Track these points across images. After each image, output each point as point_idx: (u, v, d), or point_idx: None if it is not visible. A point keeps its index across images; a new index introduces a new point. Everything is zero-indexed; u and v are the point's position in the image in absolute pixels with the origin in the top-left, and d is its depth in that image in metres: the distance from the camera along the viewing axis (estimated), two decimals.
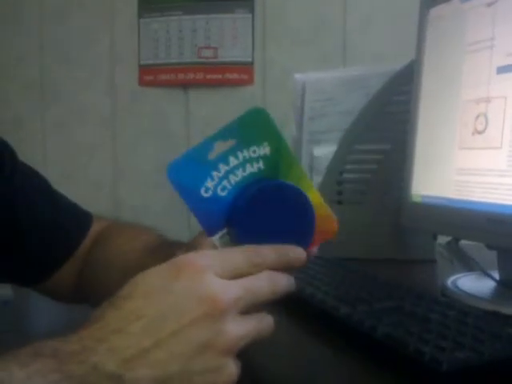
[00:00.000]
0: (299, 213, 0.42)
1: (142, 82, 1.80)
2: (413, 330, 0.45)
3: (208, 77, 1.76)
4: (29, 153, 0.65)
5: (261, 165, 0.42)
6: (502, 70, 0.62)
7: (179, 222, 1.43)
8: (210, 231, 0.42)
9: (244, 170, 0.42)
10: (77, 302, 0.66)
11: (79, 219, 0.66)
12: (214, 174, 0.42)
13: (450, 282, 0.70)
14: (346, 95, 0.93)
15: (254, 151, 0.42)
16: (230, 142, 0.42)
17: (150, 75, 1.79)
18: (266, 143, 0.42)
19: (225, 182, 0.42)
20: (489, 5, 0.65)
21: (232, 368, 0.35)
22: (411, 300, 0.54)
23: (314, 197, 0.43)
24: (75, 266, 0.64)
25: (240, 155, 0.42)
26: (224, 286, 0.36)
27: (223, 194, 0.42)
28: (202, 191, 0.41)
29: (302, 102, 0.97)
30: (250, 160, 0.42)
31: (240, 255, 0.38)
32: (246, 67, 1.75)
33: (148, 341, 0.33)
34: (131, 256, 0.58)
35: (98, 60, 1.81)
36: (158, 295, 0.35)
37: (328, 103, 0.95)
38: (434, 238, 0.83)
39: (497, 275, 0.69)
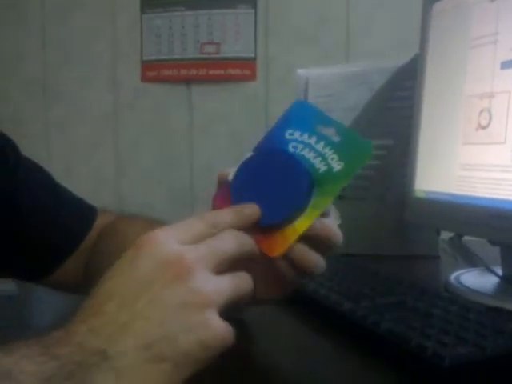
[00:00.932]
0: (292, 177, 0.43)
1: (145, 78, 1.80)
2: (415, 326, 0.45)
3: (211, 72, 1.76)
4: (31, 150, 0.65)
5: (320, 164, 0.43)
6: (505, 65, 0.62)
7: (182, 217, 1.43)
8: None
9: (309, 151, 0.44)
10: (84, 293, 0.66)
11: (84, 212, 0.66)
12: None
13: (453, 277, 0.70)
14: (349, 91, 0.93)
15: (333, 158, 0.43)
16: (331, 131, 0.44)
17: (153, 71, 1.79)
18: (343, 163, 0.43)
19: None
20: (492, 0, 0.65)
21: (217, 322, 0.34)
22: (414, 295, 0.54)
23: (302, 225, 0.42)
24: (81, 258, 0.64)
25: (322, 145, 0.43)
26: (185, 248, 0.36)
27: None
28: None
29: (305, 98, 0.96)
30: (321, 155, 0.43)
31: (198, 221, 0.39)
32: (249, 63, 1.75)
33: (125, 315, 0.33)
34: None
35: (101, 56, 1.81)
36: (124, 274, 0.35)
37: (331, 99, 0.95)
38: (438, 233, 0.83)
39: (500, 271, 0.69)
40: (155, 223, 0.62)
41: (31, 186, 0.62)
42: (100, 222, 0.66)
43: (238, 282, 0.37)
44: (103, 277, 0.36)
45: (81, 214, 0.66)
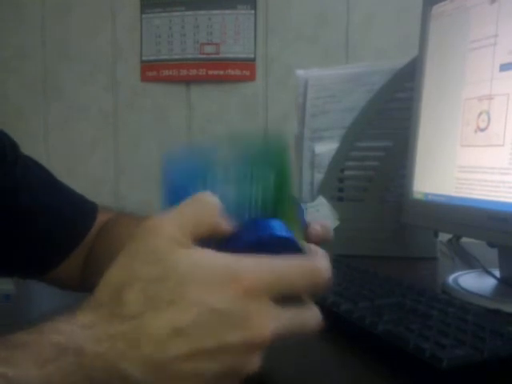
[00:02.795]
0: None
1: (144, 78, 1.80)
2: (413, 327, 0.45)
3: (210, 73, 1.76)
4: (31, 148, 0.65)
5: (258, 190, 0.38)
6: (504, 67, 0.62)
7: None
8: None
9: (238, 188, 0.38)
10: (84, 291, 0.66)
11: (85, 210, 0.66)
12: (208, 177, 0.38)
13: (451, 279, 0.70)
14: (349, 92, 0.93)
15: (258, 176, 0.38)
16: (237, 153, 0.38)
17: (152, 71, 1.79)
18: (272, 174, 0.38)
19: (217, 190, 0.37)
20: (492, 2, 0.65)
21: (256, 363, 0.32)
22: (412, 297, 0.54)
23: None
24: (81, 256, 0.64)
25: (241, 171, 0.38)
26: (249, 266, 0.32)
27: None
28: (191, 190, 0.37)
29: (304, 99, 0.96)
30: (250, 180, 0.38)
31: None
32: (249, 63, 1.75)
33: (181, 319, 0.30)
34: None
35: (100, 55, 1.81)
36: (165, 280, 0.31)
37: (330, 100, 0.95)
38: (436, 235, 0.83)
39: (498, 273, 0.69)
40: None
41: (31, 181, 0.62)
42: (100, 219, 0.66)
43: (304, 315, 0.34)
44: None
45: (82, 210, 0.66)
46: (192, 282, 0.31)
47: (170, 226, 0.33)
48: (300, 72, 0.98)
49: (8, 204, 0.59)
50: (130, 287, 0.31)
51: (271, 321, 0.31)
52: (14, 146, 0.63)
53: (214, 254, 0.32)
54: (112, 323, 0.30)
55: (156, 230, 0.33)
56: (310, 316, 0.34)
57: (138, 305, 0.30)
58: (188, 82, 1.79)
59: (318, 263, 0.34)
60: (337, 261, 0.73)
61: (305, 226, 0.42)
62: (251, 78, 1.75)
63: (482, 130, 0.65)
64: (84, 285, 0.65)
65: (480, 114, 0.65)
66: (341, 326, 0.51)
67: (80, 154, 1.84)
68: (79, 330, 0.30)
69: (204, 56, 1.76)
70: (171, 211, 0.34)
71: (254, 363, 0.31)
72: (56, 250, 0.63)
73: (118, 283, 0.31)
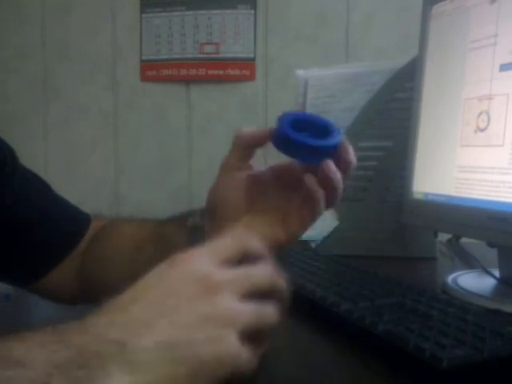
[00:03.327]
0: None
1: (144, 78, 1.80)
2: (413, 327, 0.45)
3: (210, 73, 1.76)
4: (30, 148, 0.66)
5: None
6: (504, 67, 0.62)
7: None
8: None
9: None
10: (78, 303, 0.67)
11: (78, 220, 0.67)
12: None
13: (450, 279, 0.70)
14: (348, 92, 0.93)
15: None
16: None
17: (152, 71, 1.79)
18: None
19: None
20: (492, 2, 0.65)
21: (234, 340, 0.34)
22: (412, 297, 0.54)
23: None
24: (74, 265, 0.65)
25: None
26: (218, 270, 0.37)
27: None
28: None
29: (304, 99, 0.96)
30: None
31: (236, 242, 0.40)
32: (248, 63, 1.75)
33: (150, 315, 0.34)
34: (124, 253, 0.59)
35: (100, 55, 1.81)
36: (153, 283, 0.36)
37: (330, 100, 0.95)
38: (435, 235, 0.83)
39: (497, 273, 0.69)
40: (140, 226, 0.63)
41: (28, 191, 0.63)
42: (93, 227, 0.67)
43: (262, 312, 0.38)
44: (132, 285, 0.37)
45: (75, 220, 0.67)
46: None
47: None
48: (300, 72, 0.98)
49: (5, 215, 0.60)
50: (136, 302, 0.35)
51: (230, 303, 0.36)
52: (13, 155, 0.63)
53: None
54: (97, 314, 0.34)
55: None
56: (268, 310, 0.38)
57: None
58: (188, 81, 1.79)
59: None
60: (336, 260, 0.73)
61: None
62: (251, 77, 1.75)
63: (482, 130, 0.65)
64: (79, 297, 0.66)
65: (480, 114, 0.65)
66: (341, 326, 0.51)
67: (80, 153, 1.84)
68: (63, 325, 0.33)
69: (204, 56, 1.76)
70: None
71: (230, 340, 0.34)
72: (46, 258, 0.64)
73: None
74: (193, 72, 1.77)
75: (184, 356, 0.33)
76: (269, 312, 0.38)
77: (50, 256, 0.64)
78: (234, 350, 0.34)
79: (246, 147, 0.52)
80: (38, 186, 0.66)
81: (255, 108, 1.76)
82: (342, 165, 0.49)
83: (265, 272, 0.39)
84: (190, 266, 0.37)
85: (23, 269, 0.64)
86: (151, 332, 0.33)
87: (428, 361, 0.40)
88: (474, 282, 0.68)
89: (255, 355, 0.36)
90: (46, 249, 0.64)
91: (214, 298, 0.35)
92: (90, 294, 0.63)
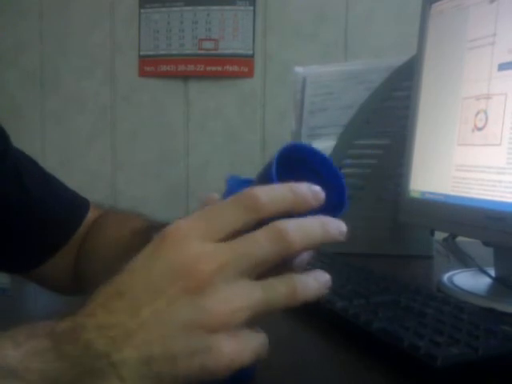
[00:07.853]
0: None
1: (142, 73, 1.80)
2: (408, 325, 0.45)
3: (208, 69, 1.76)
4: (27, 141, 0.65)
5: None
6: (503, 66, 0.62)
7: (177, 213, 1.43)
8: None
9: None
10: (76, 293, 0.66)
11: (75, 207, 0.65)
12: None
13: (446, 278, 0.70)
14: (347, 90, 0.93)
15: None
16: None
17: (150, 66, 1.79)
18: None
19: None
20: (491, 1, 0.65)
21: (223, 348, 0.30)
22: (407, 295, 0.54)
23: None
24: (70, 254, 0.64)
25: None
26: (207, 251, 0.31)
27: None
28: None
29: (302, 96, 0.96)
30: None
31: (235, 206, 0.32)
32: (247, 60, 1.74)
33: (131, 321, 0.31)
34: (120, 243, 0.57)
35: (98, 50, 1.81)
36: (139, 271, 0.32)
37: (328, 97, 0.95)
38: (432, 233, 0.83)
39: (493, 272, 0.69)
40: (135, 217, 0.62)
41: (21, 176, 0.60)
42: (90, 217, 0.65)
43: (266, 299, 0.32)
44: (125, 266, 0.33)
45: (72, 206, 0.65)
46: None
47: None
48: (298, 69, 0.98)
49: None
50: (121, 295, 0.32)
51: (218, 301, 0.31)
52: (5, 138, 0.61)
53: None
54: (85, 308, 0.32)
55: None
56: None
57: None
58: (186, 77, 1.78)
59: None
60: (332, 258, 0.73)
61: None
62: (249, 74, 1.75)
63: (480, 129, 0.65)
64: (76, 286, 0.65)
65: (478, 113, 0.65)
66: (335, 324, 0.51)
67: (77, 148, 1.84)
68: (51, 321, 0.32)
69: (202, 52, 1.76)
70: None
71: (219, 348, 0.30)
72: (43, 246, 0.63)
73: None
74: (191, 68, 1.77)
75: (164, 371, 0.30)
76: (275, 294, 0.32)
77: (45, 245, 0.63)
78: (222, 359, 0.30)
79: None
80: (32, 170, 0.63)
81: (253, 105, 1.76)
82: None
83: (272, 236, 0.32)
84: (175, 248, 0.32)
85: (17, 257, 0.62)
86: (131, 344, 0.30)
87: (423, 359, 0.40)
88: (470, 281, 0.68)
89: (264, 341, 0.32)
90: (41, 238, 0.62)
91: (198, 297, 0.30)
92: (87, 286, 0.62)
